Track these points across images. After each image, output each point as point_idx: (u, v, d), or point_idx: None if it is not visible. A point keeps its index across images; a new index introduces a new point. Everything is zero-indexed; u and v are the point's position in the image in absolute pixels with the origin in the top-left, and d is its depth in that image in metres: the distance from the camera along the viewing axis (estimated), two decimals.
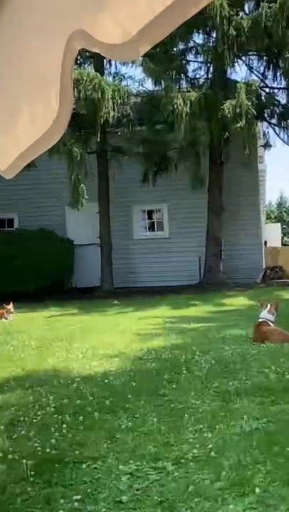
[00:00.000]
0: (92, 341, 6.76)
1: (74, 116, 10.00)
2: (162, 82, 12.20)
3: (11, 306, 9.57)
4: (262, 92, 12.82)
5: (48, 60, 0.81)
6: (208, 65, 13.12)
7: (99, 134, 11.78)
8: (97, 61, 12.68)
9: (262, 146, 13.72)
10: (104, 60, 13.05)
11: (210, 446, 3.16)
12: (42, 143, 0.87)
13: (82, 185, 11.89)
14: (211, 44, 12.61)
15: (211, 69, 13.13)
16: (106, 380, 4.70)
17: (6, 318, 9.48)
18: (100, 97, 11.30)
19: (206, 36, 12.86)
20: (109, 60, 13.08)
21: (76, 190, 11.86)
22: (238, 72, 35.55)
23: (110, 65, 13.58)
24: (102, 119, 11.62)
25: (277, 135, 13.25)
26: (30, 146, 0.89)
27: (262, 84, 12.99)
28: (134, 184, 13.84)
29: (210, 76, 13.20)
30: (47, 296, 13.06)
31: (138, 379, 4.71)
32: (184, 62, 13.06)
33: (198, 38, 13.13)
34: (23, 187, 13.81)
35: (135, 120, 12.73)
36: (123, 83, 12.90)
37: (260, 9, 11.58)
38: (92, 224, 14.57)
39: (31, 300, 12.53)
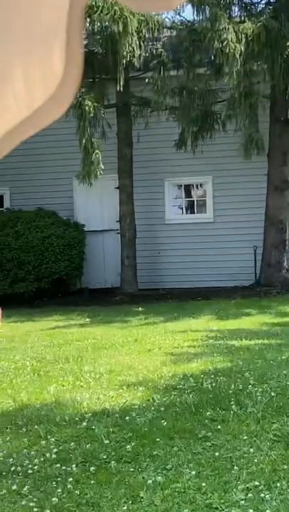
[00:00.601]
0: (108, 363, 6.78)
1: (86, 57, 9.97)
2: (207, 9, 12.08)
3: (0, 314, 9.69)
4: None
5: (48, 6, 0.79)
6: None
7: (120, 81, 11.76)
8: None
9: None
10: None
11: (268, 511, 3.13)
12: (39, 117, 0.85)
13: (96, 150, 11.90)
14: None
15: None
16: (127, 417, 4.71)
17: None
18: (121, 30, 11.27)
19: None
20: None
21: (88, 157, 11.89)
22: None
23: None
24: (123, 61, 11.58)
25: None
26: (24, 120, 0.87)
27: None
28: (167, 149, 13.80)
29: (273, 0, 13.01)
30: (48, 301, 13.15)
31: (170, 416, 4.70)
32: None
33: None
34: (17, 152, 13.92)
35: (169, 62, 12.65)
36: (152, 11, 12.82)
37: None
38: (109, 203, 14.60)
39: (26, 305, 12.64)
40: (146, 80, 12.59)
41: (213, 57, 11.76)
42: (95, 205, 14.87)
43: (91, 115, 11.84)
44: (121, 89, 11.79)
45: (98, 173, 11.96)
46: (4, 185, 15.22)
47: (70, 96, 0.86)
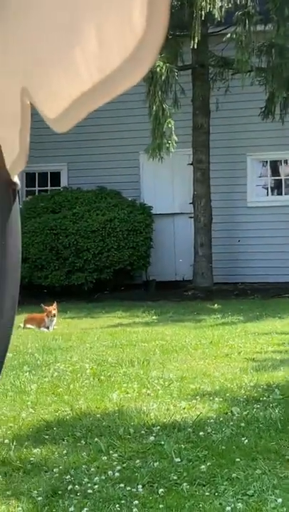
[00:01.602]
0: (179, 369, 6.79)
1: None
2: None
3: (54, 308, 9.81)
4: None
5: None
6: None
7: (196, 37, 11.69)
8: None
9: None
10: None
11: None
12: (114, 81, 0.84)
13: (168, 119, 11.89)
14: None
15: None
16: (201, 433, 4.70)
17: (48, 327, 9.73)
18: None
19: None
20: None
21: (159, 128, 11.89)
22: None
23: None
24: (201, 13, 11.50)
25: None
26: (96, 85, 0.86)
27: None
28: (251, 119, 13.66)
29: None
30: (109, 294, 13.26)
31: (252, 433, 4.67)
32: None
33: None
34: (77, 123, 14.05)
35: (256, 14, 12.50)
36: None
37: None
38: (180, 182, 14.57)
39: (85, 299, 12.77)
40: (228, 36, 12.46)
41: None
42: (164, 185, 14.87)
43: (163, 78, 11.82)
44: (196, 46, 11.72)
45: (171, 146, 11.94)
46: (61, 161, 15.39)
47: (152, 57, 0.84)
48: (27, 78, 1.01)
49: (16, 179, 1.04)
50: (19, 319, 9.98)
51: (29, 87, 1.01)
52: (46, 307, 9.79)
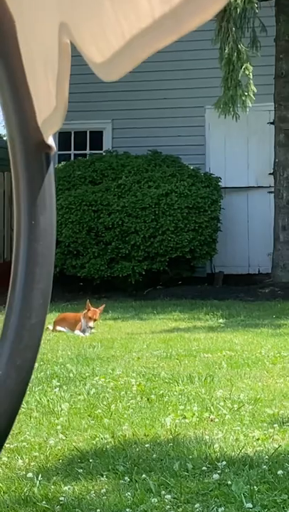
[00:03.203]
0: (251, 388, 6.79)
1: None
2: None
3: (97, 314, 9.70)
4: None
5: None
6: None
7: None
8: None
9: None
10: None
11: None
12: (181, 16, 0.84)
13: (246, 64, 11.82)
14: None
15: None
16: (279, 472, 4.69)
17: (84, 332, 9.78)
18: None
19: None
20: None
21: (233, 75, 11.85)
22: None
23: None
24: None
25: None
26: (158, 21, 0.87)
27: None
28: None
29: None
30: (163, 290, 13.28)
31: None
32: None
33: None
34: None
35: None
36: None
37: None
38: (258, 147, 14.50)
39: (132, 295, 12.81)
40: None
41: None
42: (237, 150, 14.83)
43: (238, 11, 11.76)
44: None
45: (248, 98, 11.89)
46: (105, 117, 15.42)
47: None
48: (67, 10, 1.01)
49: (50, 141, 1.04)
50: (48, 319, 10.04)
51: (69, 22, 1.01)
52: (90, 307, 9.69)
